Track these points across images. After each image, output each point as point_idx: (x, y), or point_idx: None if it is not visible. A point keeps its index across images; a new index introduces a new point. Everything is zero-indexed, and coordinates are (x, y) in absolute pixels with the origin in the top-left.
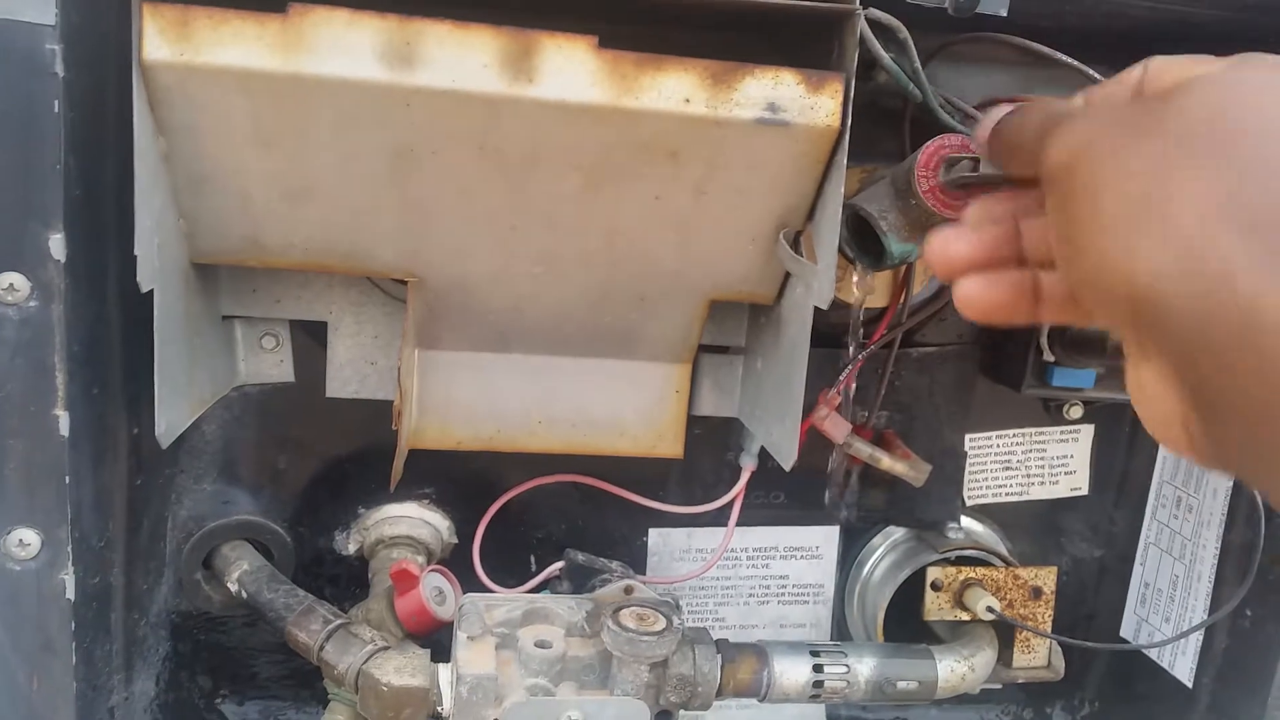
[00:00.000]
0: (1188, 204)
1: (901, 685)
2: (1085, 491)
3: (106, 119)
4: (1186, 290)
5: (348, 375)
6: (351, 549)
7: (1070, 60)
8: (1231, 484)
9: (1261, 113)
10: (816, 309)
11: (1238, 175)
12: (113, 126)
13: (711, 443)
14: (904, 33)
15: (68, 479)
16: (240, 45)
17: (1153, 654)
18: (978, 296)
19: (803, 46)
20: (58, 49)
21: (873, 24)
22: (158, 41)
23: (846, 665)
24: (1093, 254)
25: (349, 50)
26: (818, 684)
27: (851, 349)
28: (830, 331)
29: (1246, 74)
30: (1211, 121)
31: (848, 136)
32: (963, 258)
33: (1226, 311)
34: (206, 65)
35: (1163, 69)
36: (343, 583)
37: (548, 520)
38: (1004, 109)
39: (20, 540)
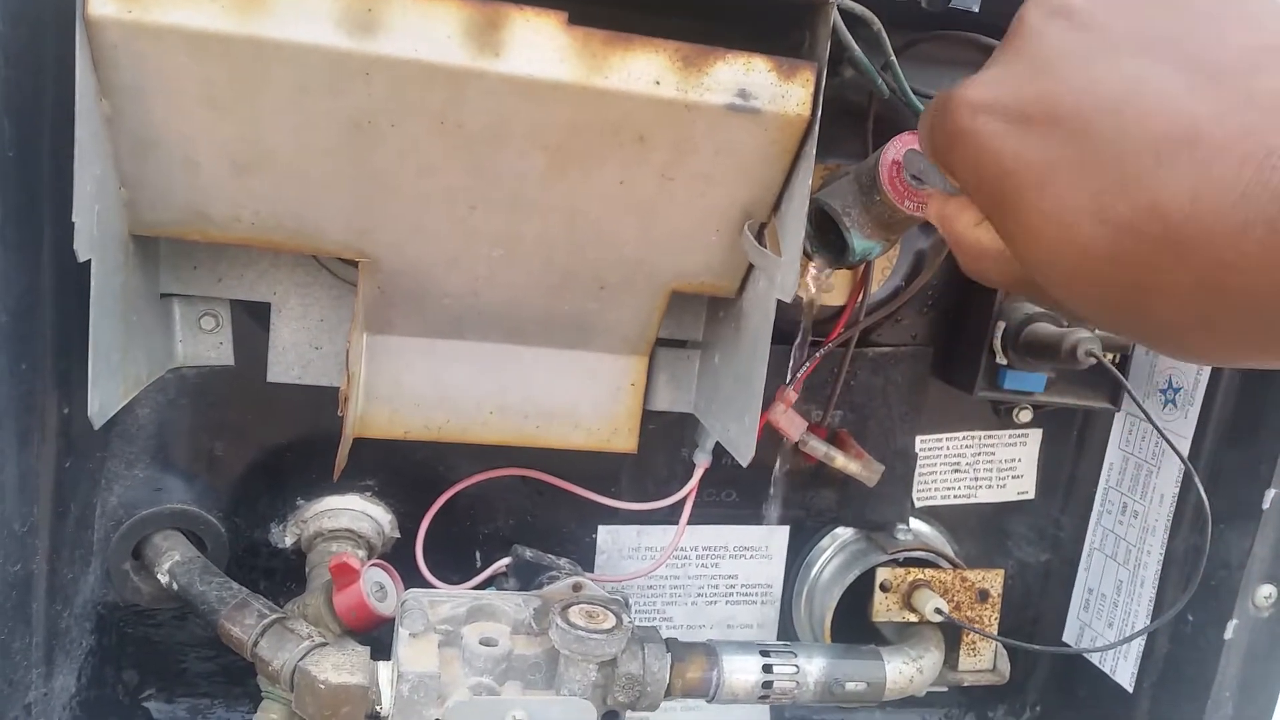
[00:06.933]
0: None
1: (850, 686)
2: (1032, 496)
3: (45, 78)
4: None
5: (291, 360)
6: (289, 542)
7: None
8: (1177, 491)
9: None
10: (778, 303)
11: None
12: (51, 86)
13: (665, 439)
14: (877, 25)
15: None
16: (193, 4)
17: (1095, 658)
18: None
19: (772, 36)
20: None
21: (845, 15)
22: None
23: (796, 666)
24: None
25: (307, 14)
26: (767, 684)
27: (800, 343)
28: (787, 329)
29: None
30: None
31: (818, 127)
32: None
33: None
34: (156, 24)
35: None
36: (278, 577)
37: (494, 515)
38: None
39: None
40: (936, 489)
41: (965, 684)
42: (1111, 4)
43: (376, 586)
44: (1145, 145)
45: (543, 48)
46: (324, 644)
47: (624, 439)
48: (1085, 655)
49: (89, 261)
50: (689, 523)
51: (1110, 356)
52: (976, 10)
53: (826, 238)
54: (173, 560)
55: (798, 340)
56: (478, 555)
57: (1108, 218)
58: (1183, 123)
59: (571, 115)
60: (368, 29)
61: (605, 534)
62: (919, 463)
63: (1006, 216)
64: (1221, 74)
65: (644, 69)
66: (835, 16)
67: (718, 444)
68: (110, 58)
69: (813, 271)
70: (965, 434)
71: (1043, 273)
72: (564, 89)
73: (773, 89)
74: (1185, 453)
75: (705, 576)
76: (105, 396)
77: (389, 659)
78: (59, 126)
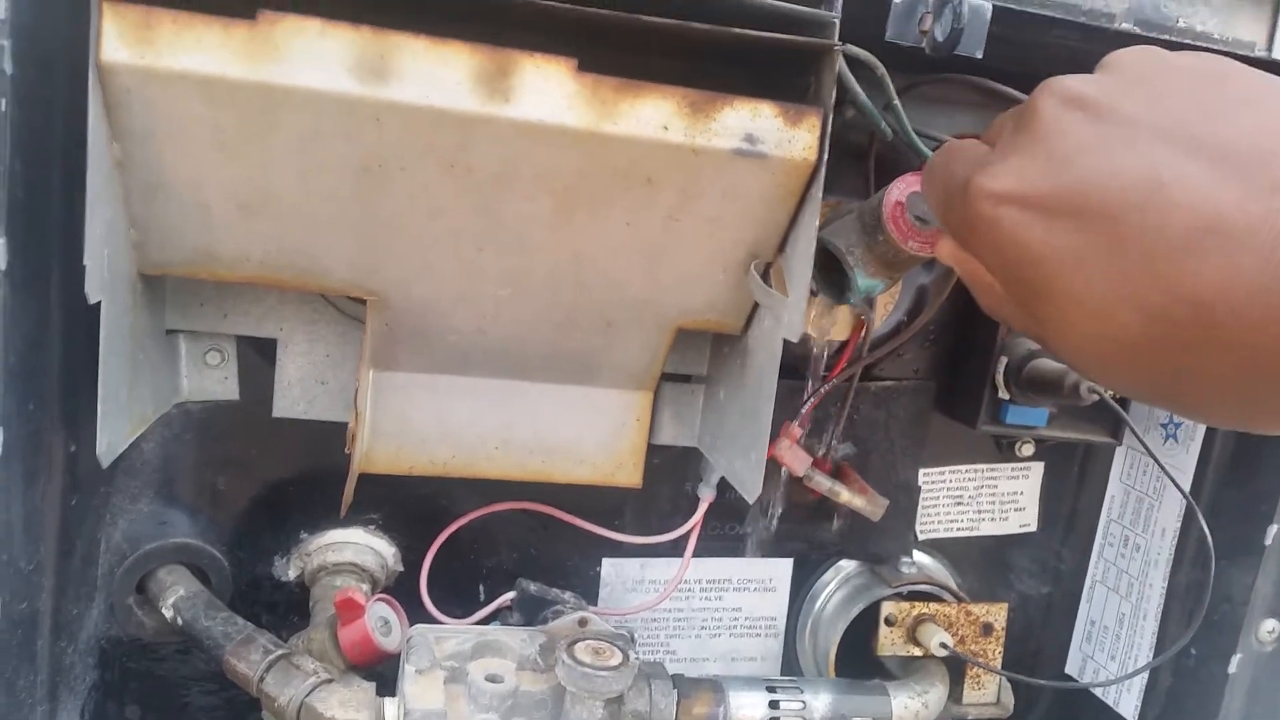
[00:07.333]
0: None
1: None
2: (1034, 529)
3: (55, 121)
4: None
5: (296, 395)
6: (291, 575)
7: None
8: (1179, 525)
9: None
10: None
11: None
12: (61, 129)
13: (669, 473)
14: (880, 70)
15: None
16: (205, 51)
17: (1098, 691)
18: None
19: (777, 79)
20: (6, 44)
21: (849, 60)
22: (117, 43)
23: (802, 701)
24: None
25: (319, 61)
26: None
27: (811, 382)
28: (790, 363)
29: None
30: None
31: (823, 171)
32: None
33: None
34: (168, 70)
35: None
36: (281, 610)
37: (498, 549)
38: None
39: None
40: (939, 522)
41: (969, 718)
42: (1125, 93)
43: (381, 621)
44: (1173, 236)
45: (552, 94)
46: (330, 680)
47: (628, 474)
48: (1090, 689)
49: (98, 303)
50: (693, 556)
51: (1111, 392)
52: (980, 57)
53: (830, 275)
54: (177, 595)
55: (810, 376)
56: (482, 589)
57: (1141, 305)
58: (1208, 212)
59: (580, 160)
60: (380, 75)
61: (609, 567)
62: (922, 495)
63: (1036, 302)
64: (1238, 157)
65: (652, 115)
66: (840, 63)
67: (721, 477)
68: (122, 102)
69: (815, 311)
70: (967, 467)
71: (1077, 358)
72: (573, 134)
73: (779, 134)
74: (1187, 487)
75: (709, 609)
76: (113, 435)
77: (394, 695)
78: (69, 167)
